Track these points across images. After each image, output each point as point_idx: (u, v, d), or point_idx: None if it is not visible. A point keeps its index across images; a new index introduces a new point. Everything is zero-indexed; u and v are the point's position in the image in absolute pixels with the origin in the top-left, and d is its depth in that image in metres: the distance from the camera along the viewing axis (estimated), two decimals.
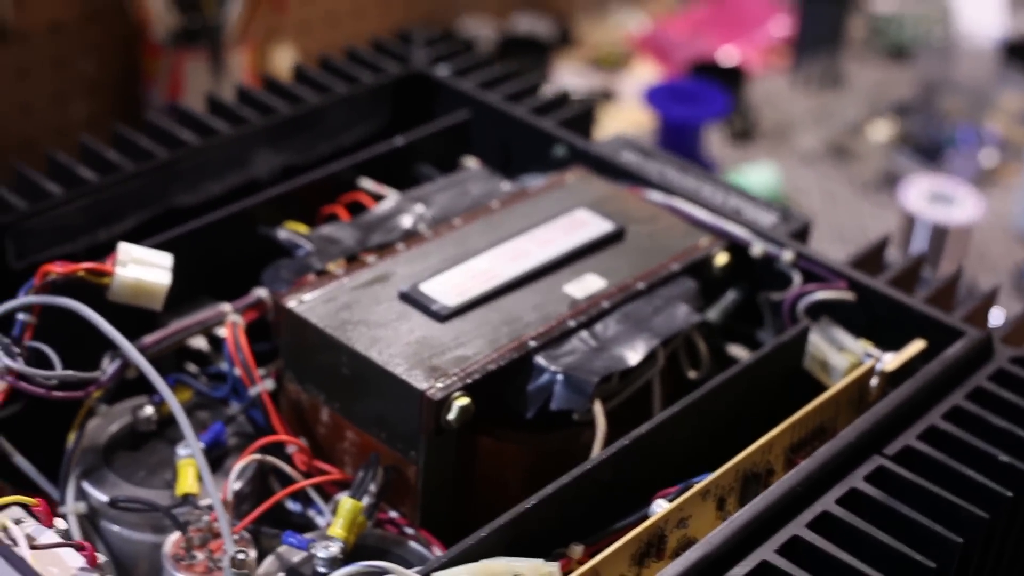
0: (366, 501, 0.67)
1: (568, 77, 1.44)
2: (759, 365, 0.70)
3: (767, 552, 0.60)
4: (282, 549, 0.65)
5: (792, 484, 0.63)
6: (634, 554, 0.60)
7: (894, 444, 0.67)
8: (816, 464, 0.64)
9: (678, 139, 1.21)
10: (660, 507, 0.62)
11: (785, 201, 1.24)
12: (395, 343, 0.68)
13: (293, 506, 0.70)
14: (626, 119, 1.30)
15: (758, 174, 1.22)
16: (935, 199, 1.11)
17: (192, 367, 0.75)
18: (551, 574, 0.58)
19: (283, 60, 1.36)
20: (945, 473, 0.66)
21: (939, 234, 1.08)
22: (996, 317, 0.79)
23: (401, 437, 0.68)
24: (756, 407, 0.71)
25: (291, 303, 0.71)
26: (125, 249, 0.69)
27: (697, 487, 0.62)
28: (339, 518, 0.64)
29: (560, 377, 0.68)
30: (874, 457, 0.66)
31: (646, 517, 0.61)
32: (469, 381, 0.67)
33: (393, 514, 0.69)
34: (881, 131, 1.30)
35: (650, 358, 0.71)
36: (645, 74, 1.46)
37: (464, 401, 0.66)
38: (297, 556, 0.65)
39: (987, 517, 0.64)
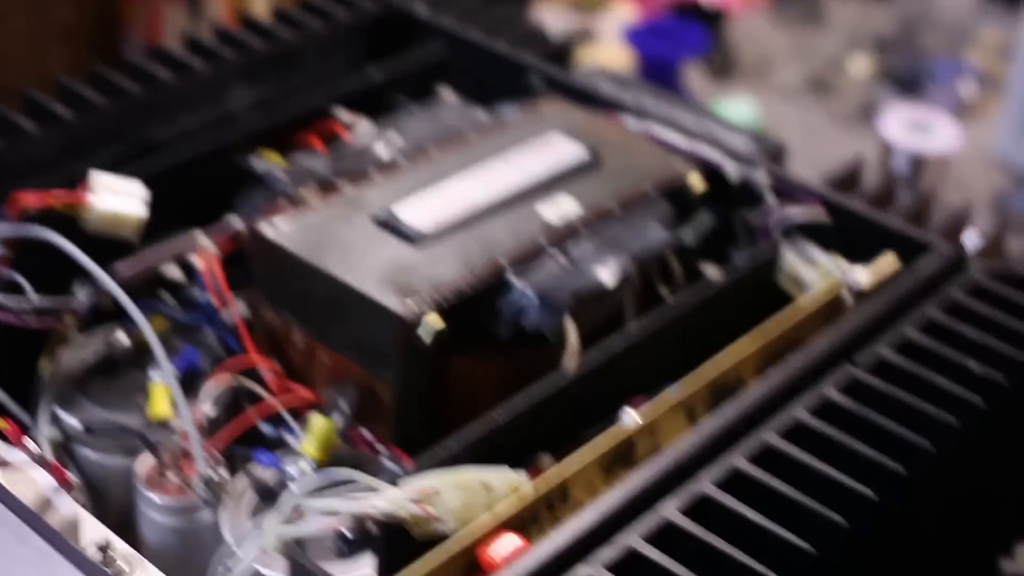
0: (338, 420, 0.67)
1: (548, 18, 1.44)
2: (733, 283, 0.71)
3: (737, 459, 0.61)
4: (252, 466, 0.65)
5: (763, 392, 0.63)
6: (603, 464, 0.60)
7: (866, 354, 0.67)
8: (787, 373, 0.65)
9: (657, 76, 1.21)
10: (629, 416, 0.62)
11: (764, 134, 1.24)
12: (369, 266, 0.68)
13: (268, 430, 0.70)
14: (606, 59, 1.30)
15: (735, 108, 1.22)
16: (913, 128, 1.11)
17: (168, 297, 0.75)
18: (519, 483, 0.58)
19: (260, 3, 1.36)
20: (918, 383, 0.66)
21: (917, 162, 1.08)
22: (970, 237, 0.80)
23: (375, 359, 0.68)
24: (731, 326, 0.71)
25: (264, 229, 0.71)
26: (97, 178, 0.69)
27: (666, 396, 0.62)
28: (310, 435, 0.65)
29: (533, 297, 0.68)
30: (846, 367, 0.66)
31: (616, 427, 0.62)
32: (442, 302, 0.67)
33: (368, 436, 0.69)
34: (861, 65, 1.30)
35: (624, 278, 0.71)
36: (625, 15, 1.45)
37: (437, 322, 0.66)
38: (267, 473, 0.65)
39: (959, 426, 0.64)
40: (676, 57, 1.23)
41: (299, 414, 0.69)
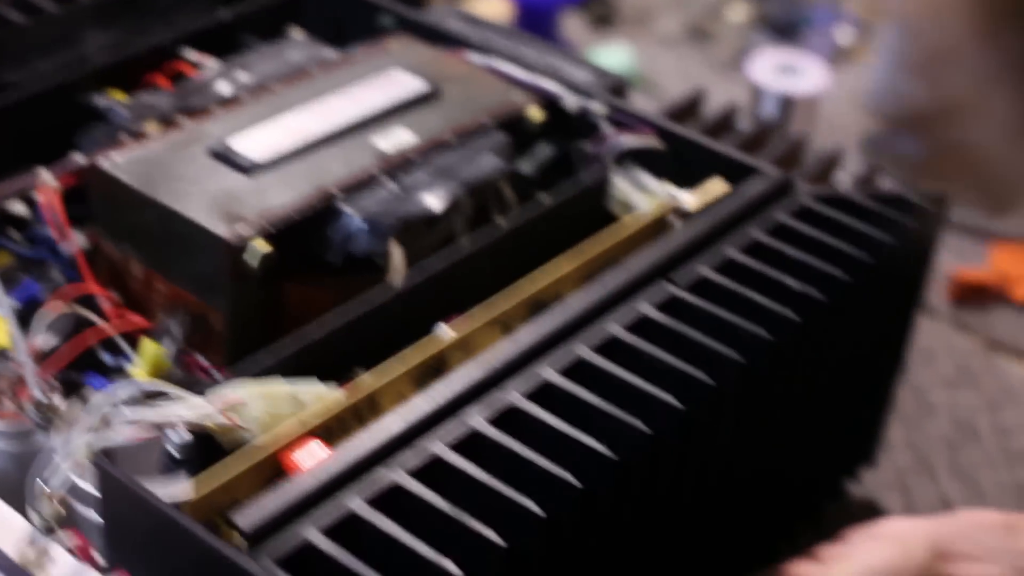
0: (170, 346, 0.68)
1: None
2: (560, 207, 0.72)
3: (546, 370, 0.62)
4: (85, 391, 0.66)
5: (577, 307, 0.65)
6: (414, 376, 0.62)
7: (685, 273, 0.69)
8: (603, 289, 0.66)
9: (534, 25, 1.22)
10: (443, 330, 0.63)
11: (642, 82, 1.25)
12: (201, 196, 0.69)
13: (107, 359, 0.71)
14: (484, 10, 1.31)
15: (612, 56, 1.23)
16: (782, 71, 1.13)
17: (14, 234, 0.76)
18: (329, 397, 0.59)
19: None
20: (735, 300, 0.67)
21: (785, 104, 1.10)
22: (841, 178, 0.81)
23: (206, 286, 0.69)
24: (560, 248, 0.72)
25: (101, 162, 0.72)
26: None
27: (481, 314, 0.64)
28: (141, 359, 0.66)
29: (361, 223, 0.69)
30: (664, 284, 0.68)
31: (427, 339, 0.63)
32: (271, 228, 0.68)
33: (203, 361, 0.70)
34: (738, 12, 1.32)
35: (455, 206, 0.72)
36: None
37: (265, 247, 0.67)
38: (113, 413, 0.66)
39: (772, 339, 0.65)
40: (554, 6, 1.24)
41: (134, 341, 0.71)
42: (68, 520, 0.60)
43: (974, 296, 1.08)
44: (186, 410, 0.57)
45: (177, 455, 0.59)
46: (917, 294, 0.81)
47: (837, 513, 0.88)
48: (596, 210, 0.74)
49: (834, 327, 0.71)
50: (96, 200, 0.73)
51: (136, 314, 0.71)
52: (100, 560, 0.58)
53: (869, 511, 0.89)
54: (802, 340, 0.68)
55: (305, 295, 0.70)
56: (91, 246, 0.74)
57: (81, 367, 0.68)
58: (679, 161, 0.77)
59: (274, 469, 0.57)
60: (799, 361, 0.69)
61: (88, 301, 0.71)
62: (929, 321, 1.06)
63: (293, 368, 0.61)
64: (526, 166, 0.79)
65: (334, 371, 0.62)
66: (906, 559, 0.68)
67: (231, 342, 0.69)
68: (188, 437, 0.57)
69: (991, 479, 0.92)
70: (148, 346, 0.67)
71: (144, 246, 0.71)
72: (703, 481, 0.68)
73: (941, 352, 1.02)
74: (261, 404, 0.58)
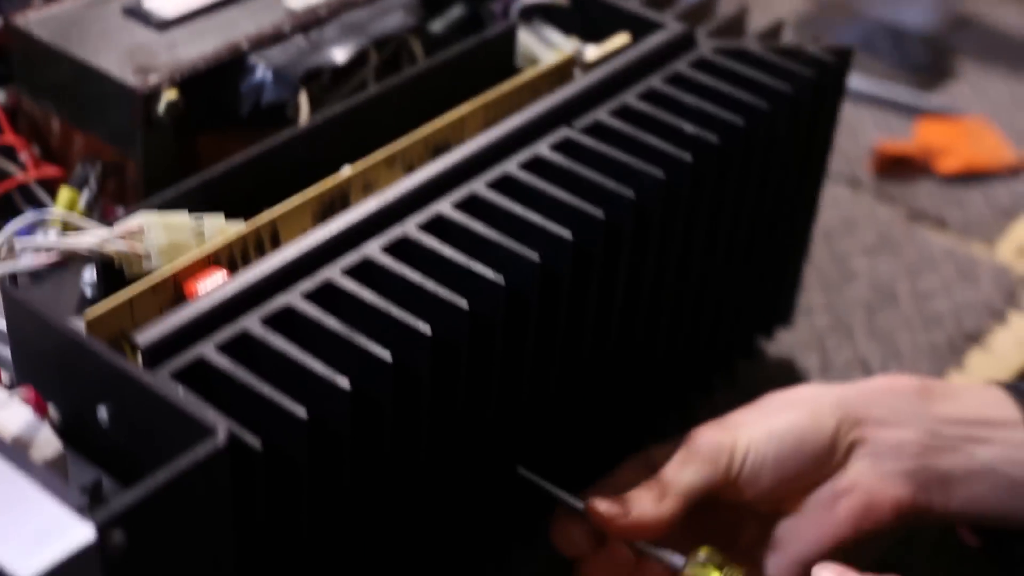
0: (86, 194, 0.70)
1: None
2: (462, 57, 0.74)
3: (444, 205, 0.64)
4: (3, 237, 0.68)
5: (476, 148, 0.67)
6: (315, 210, 0.64)
7: (584, 119, 0.71)
8: (503, 132, 0.68)
9: None
10: (346, 169, 0.65)
11: None
12: (113, 51, 0.71)
13: (27, 209, 0.73)
14: None
15: None
16: None
17: None
18: (231, 229, 0.61)
19: None
20: (630, 142, 0.70)
21: None
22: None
23: (120, 135, 0.71)
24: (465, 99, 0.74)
25: (19, 21, 0.73)
26: None
27: (381, 153, 0.66)
28: (58, 206, 0.68)
29: (268, 73, 0.71)
30: (562, 129, 0.70)
31: (330, 176, 0.65)
32: (178, 78, 0.70)
33: (121, 211, 0.72)
34: None
35: (362, 59, 0.74)
36: None
37: (172, 95, 0.69)
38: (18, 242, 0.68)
39: (665, 179, 0.68)
40: None
41: (52, 191, 0.73)
42: None
43: (898, 168, 1.10)
44: (88, 237, 0.59)
45: (89, 293, 0.61)
46: (824, 151, 0.83)
47: (753, 370, 0.91)
48: (501, 64, 0.76)
49: (731, 173, 0.73)
50: (15, 58, 0.75)
51: (54, 165, 0.73)
52: (6, 379, 0.60)
53: (785, 370, 0.91)
54: (697, 183, 0.70)
55: (217, 146, 0.72)
56: (12, 105, 0.75)
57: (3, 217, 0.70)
58: (586, 17, 0.79)
59: (176, 295, 0.59)
60: (696, 206, 0.71)
61: (9, 155, 0.73)
62: (852, 193, 1.08)
63: (197, 204, 0.63)
64: (437, 25, 0.81)
65: (240, 209, 0.64)
66: (815, 425, 0.68)
67: (146, 191, 0.71)
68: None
69: (908, 341, 0.95)
70: (64, 192, 0.69)
71: (61, 101, 0.73)
72: (604, 322, 0.70)
73: (864, 222, 1.05)
74: (162, 233, 0.60)
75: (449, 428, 0.63)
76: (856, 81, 1.18)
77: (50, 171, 0.72)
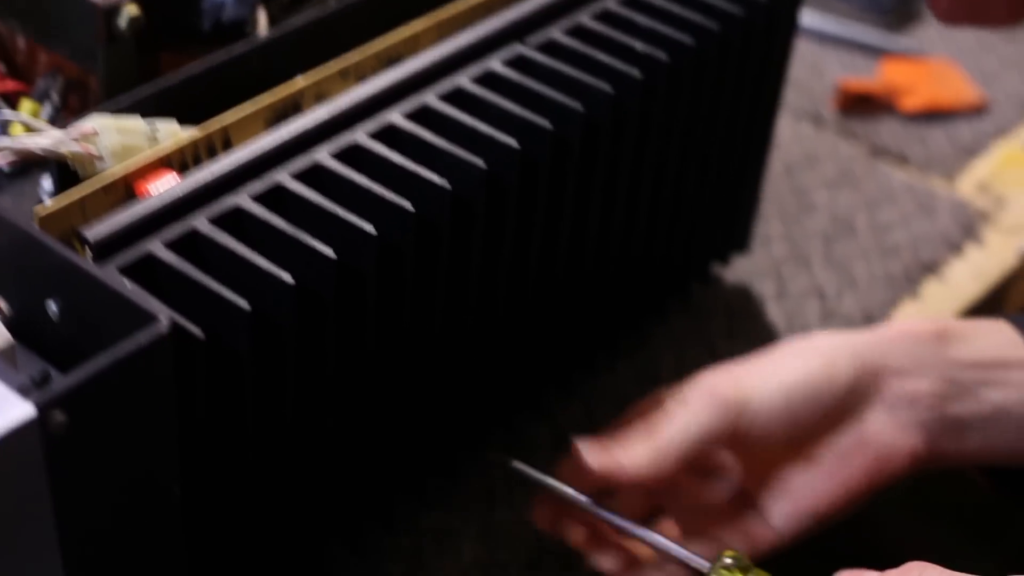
0: (48, 107, 0.72)
1: None
2: None
3: (394, 115, 0.66)
4: None
5: (428, 61, 0.68)
6: (268, 120, 0.65)
7: (537, 36, 0.72)
8: (455, 46, 0.69)
9: None
10: (299, 79, 0.66)
11: None
12: None
13: None
14: None
15: None
16: None
17: None
18: (184, 134, 0.63)
19: None
20: (582, 59, 0.71)
21: None
22: None
23: (82, 51, 0.72)
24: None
25: None
26: None
27: (335, 65, 0.67)
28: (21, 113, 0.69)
29: None
30: (515, 45, 0.71)
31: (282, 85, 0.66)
32: None
33: None
34: None
35: None
36: None
37: (133, 10, 0.70)
38: None
39: (612, 93, 0.69)
40: None
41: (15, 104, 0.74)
42: None
43: (861, 106, 1.11)
44: (43, 138, 0.60)
45: (47, 201, 0.62)
46: (778, 77, 0.85)
47: (708, 295, 0.92)
48: None
49: (682, 93, 0.74)
50: None
51: (16, 80, 0.75)
52: None
53: (741, 295, 0.93)
54: (647, 100, 0.72)
55: (178, 63, 0.73)
56: None
57: None
58: None
59: (128, 196, 0.61)
60: (646, 123, 0.73)
61: None
62: (815, 129, 1.09)
63: (153, 111, 0.65)
64: None
65: (195, 118, 0.65)
66: (830, 376, 0.66)
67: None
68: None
69: (864, 270, 0.96)
70: (25, 103, 0.70)
71: (26, 18, 0.74)
72: (552, 235, 0.71)
73: (825, 157, 1.06)
74: (115, 135, 0.61)
75: (396, 331, 0.64)
76: (823, 22, 1.19)
77: (12, 85, 0.73)
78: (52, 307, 0.57)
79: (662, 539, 0.64)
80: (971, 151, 1.09)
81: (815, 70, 1.15)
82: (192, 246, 0.59)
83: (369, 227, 0.59)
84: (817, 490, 0.67)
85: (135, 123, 0.62)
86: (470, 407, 0.75)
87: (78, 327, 0.57)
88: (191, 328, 0.55)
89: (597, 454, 0.65)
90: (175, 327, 0.53)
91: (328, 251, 0.58)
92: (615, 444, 0.65)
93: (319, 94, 0.67)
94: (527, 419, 0.81)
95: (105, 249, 0.58)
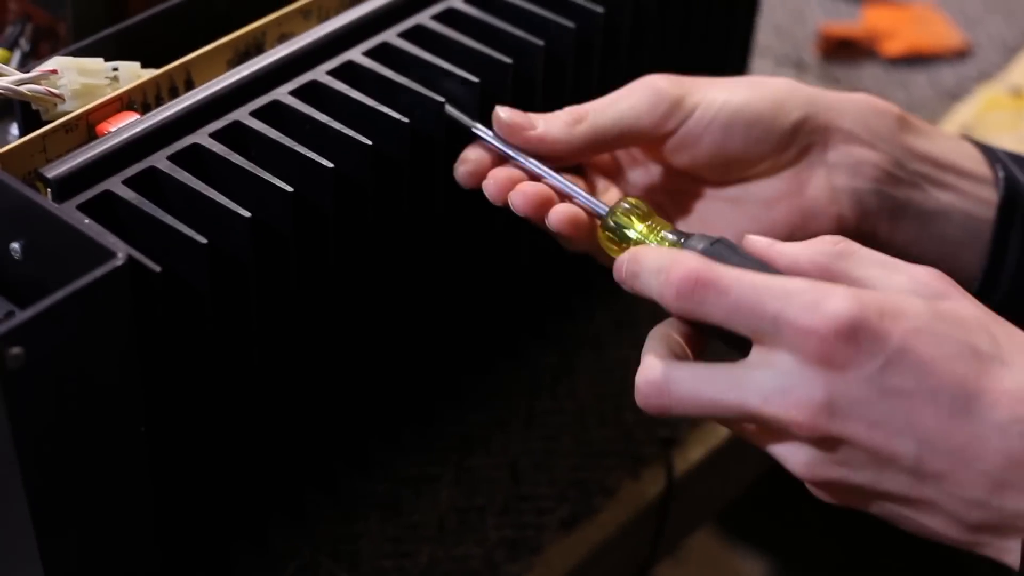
0: (17, 53, 0.72)
1: None
2: None
3: (354, 53, 0.66)
4: None
5: (388, 0, 0.68)
6: (229, 60, 0.65)
7: None
8: None
9: None
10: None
11: None
12: None
13: None
14: None
15: None
16: None
17: None
18: (145, 75, 0.63)
19: None
20: None
21: None
22: None
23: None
24: None
25: None
26: None
27: (297, 3, 0.67)
28: None
29: None
30: None
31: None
32: None
33: None
34: None
35: None
36: None
37: None
38: None
39: (574, 27, 0.69)
40: None
41: None
42: None
43: (843, 51, 1.11)
44: (3, 80, 0.61)
45: None
46: (750, 15, 0.85)
47: None
48: None
49: (649, 28, 0.74)
50: None
51: None
52: None
53: None
54: (611, 35, 0.72)
55: (145, 7, 0.74)
56: None
57: None
58: None
59: (89, 136, 0.61)
60: (611, 60, 0.73)
61: None
62: (797, 75, 1.09)
63: (116, 52, 0.65)
64: None
65: (159, 60, 0.66)
66: (776, 111, 0.64)
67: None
68: None
69: None
70: None
71: None
72: None
73: None
74: (76, 76, 0.62)
75: (360, 271, 0.65)
76: None
77: None
78: (15, 247, 0.58)
79: (568, 184, 0.62)
80: (954, 95, 1.09)
81: (797, 15, 1.15)
82: (152, 183, 0.59)
83: (326, 162, 0.60)
84: (735, 227, 0.64)
85: (96, 64, 0.63)
86: (445, 352, 0.75)
87: (41, 265, 0.57)
88: (147, 263, 0.55)
89: (515, 115, 0.63)
90: (132, 261, 0.54)
91: (285, 186, 0.58)
92: (536, 115, 0.63)
93: (282, 34, 0.67)
94: (505, 366, 0.81)
95: (65, 188, 0.58)
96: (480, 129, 0.64)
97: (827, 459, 0.52)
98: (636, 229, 0.60)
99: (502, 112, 0.63)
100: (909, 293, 0.53)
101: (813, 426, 0.51)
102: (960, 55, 1.12)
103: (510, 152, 0.63)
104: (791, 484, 0.57)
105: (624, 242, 0.60)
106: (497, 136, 0.64)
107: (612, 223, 0.61)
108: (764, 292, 0.51)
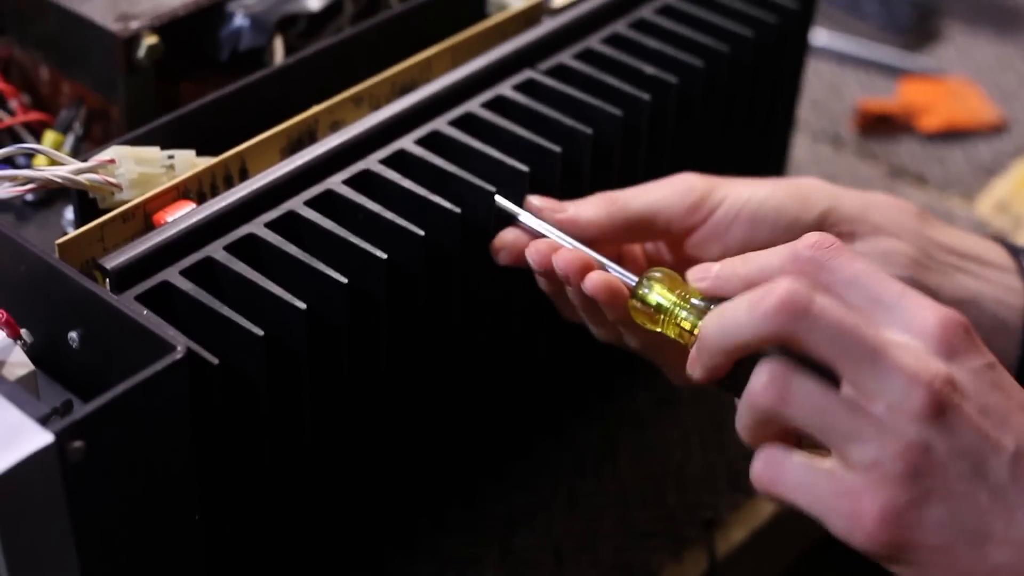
0: (71, 138, 0.73)
1: None
2: (433, 5, 0.76)
3: (406, 142, 0.67)
4: None
5: (439, 88, 0.69)
6: (283, 148, 0.66)
7: (548, 61, 0.73)
8: (466, 73, 0.70)
9: None
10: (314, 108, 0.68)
11: None
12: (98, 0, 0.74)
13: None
14: None
15: None
16: None
17: None
18: (202, 163, 0.64)
19: None
20: (591, 83, 0.72)
21: None
22: None
23: (103, 81, 0.74)
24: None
25: None
26: None
27: (348, 92, 0.68)
28: (44, 144, 0.71)
29: (246, 19, 0.74)
30: (526, 71, 0.72)
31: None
32: (158, 23, 0.72)
33: None
34: None
35: (338, 7, 0.77)
36: None
37: (152, 40, 0.72)
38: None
39: (621, 115, 0.70)
40: None
41: (39, 135, 0.76)
42: None
43: (881, 127, 1.12)
44: (62, 169, 0.62)
45: (69, 230, 0.64)
46: (791, 96, 0.86)
47: None
48: (472, 10, 0.79)
49: (692, 114, 0.75)
50: (5, 9, 0.78)
51: (40, 111, 0.76)
52: None
53: None
54: (656, 122, 0.73)
55: (197, 92, 0.75)
56: (4, 56, 0.78)
57: None
58: None
59: (146, 225, 0.62)
60: (657, 144, 0.74)
61: (0, 104, 0.76)
62: (835, 150, 1.10)
63: (171, 140, 0.66)
64: None
65: (213, 147, 0.67)
66: (803, 203, 0.65)
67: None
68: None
69: None
70: (49, 135, 0.72)
71: (49, 49, 0.76)
72: None
73: (844, 178, 1.07)
74: (133, 165, 0.63)
75: (410, 356, 0.65)
76: (841, 42, 1.20)
77: (36, 115, 0.75)
78: (73, 336, 0.58)
79: (601, 257, 0.62)
80: (990, 170, 1.09)
81: (834, 90, 1.16)
82: (208, 273, 0.60)
83: (380, 252, 0.60)
84: None
85: (152, 153, 0.64)
86: (488, 432, 0.75)
87: (99, 355, 0.58)
88: (206, 355, 0.55)
89: (547, 201, 0.65)
90: (190, 354, 0.54)
91: (340, 277, 0.59)
92: (570, 201, 0.65)
93: (334, 121, 0.68)
94: (547, 445, 0.82)
95: (123, 278, 0.59)
96: (527, 217, 0.64)
97: (937, 437, 0.51)
98: (667, 297, 0.60)
99: (535, 200, 0.65)
100: None
101: (938, 390, 0.51)
102: (996, 130, 1.13)
103: (548, 231, 0.64)
104: (832, 563, 0.57)
105: (656, 311, 0.60)
106: (537, 219, 0.64)
107: (642, 292, 0.60)
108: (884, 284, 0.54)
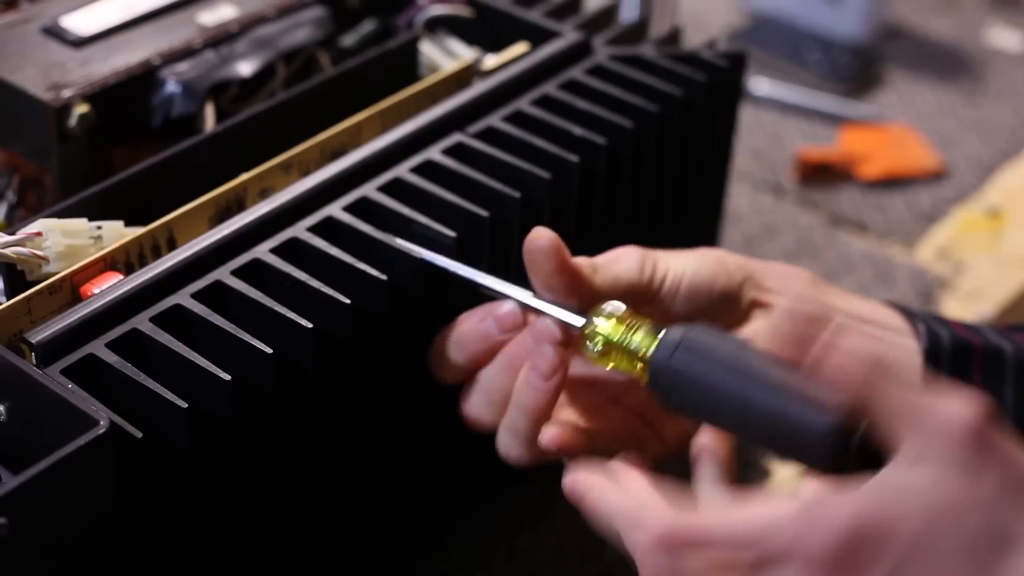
0: (4, 204, 0.74)
1: None
2: (364, 66, 0.77)
3: (335, 209, 0.67)
4: None
5: (368, 153, 0.70)
6: (211, 216, 0.67)
7: (477, 124, 0.74)
8: (396, 137, 0.71)
9: None
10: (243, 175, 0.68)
11: None
12: (30, 67, 0.75)
13: None
14: None
15: None
16: None
17: None
18: (130, 234, 0.64)
19: None
20: (520, 146, 0.73)
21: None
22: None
23: (36, 149, 0.74)
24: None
25: None
26: None
27: (278, 158, 0.69)
28: None
29: (178, 86, 0.75)
30: (455, 134, 0.73)
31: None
32: (90, 92, 0.73)
33: None
34: None
35: (270, 72, 0.78)
36: None
37: (84, 108, 0.72)
38: None
39: (549, 178, 0.71)
40: None
41: None
42: None
43: (821, 175, 1.13)
44: None
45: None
46: (724, 152, 0.86)
47: None
48: (404, 74, 0.79)
49: (623, 173, 0.76)
50: None
51: None
52: None
53: None
54: (586, 182, 0.73)
55: (131, 158, 0.75)
56: None
57: None
58: (489, 29, 0.82)
59: (73, 297, 0.62)
60: (588, 205, 0.74)
61: None
62: (776, 200, 1.11)
63: (100, 211, 0.66)
64: (349, 40, 0.84)
65: (143, 216, 0.67)
66: (725, 272, 0.66)
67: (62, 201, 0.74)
68: None
69: None
70: None
71: None
72: None
73: (785, 227, 1.08)
74: (60, 238, 0.63)
75: (336, 424, 0.66)
76: (783, 91, 1.21)
77: None
78: (0, 410, 0.59)
79: (537, 301, 0.63)
80: (930, 217, 1.10)
81: (776, 139, 1.17)
82: (135, 345, 0.60)
83: (305, 322, 0.61)
84: None
85: (80, 224, 0.64)
86: (424, 494, 0.76)
87: (27, 429, 0.58)
88: (130, 428, 0.56)
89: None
90: (114, 427, 0.55)
91: (264, 347, 0.59)
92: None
93: (263, 188, 0.69)
94: (484, 503, 0.82)
95: (49, 352, 0.59)
96: (462, 268, 0.65)
97: None
98: (612, 336, 0.60)
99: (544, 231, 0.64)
100: None
101: None
102: (936, 176, 1.14)
103: (484, 280, 0.65)
104: None
105: (607, 349, 0.61)
106: (472, 269, 0.65)
107: (587, 338, 0.61)
108: (748, 531, 0.52)
